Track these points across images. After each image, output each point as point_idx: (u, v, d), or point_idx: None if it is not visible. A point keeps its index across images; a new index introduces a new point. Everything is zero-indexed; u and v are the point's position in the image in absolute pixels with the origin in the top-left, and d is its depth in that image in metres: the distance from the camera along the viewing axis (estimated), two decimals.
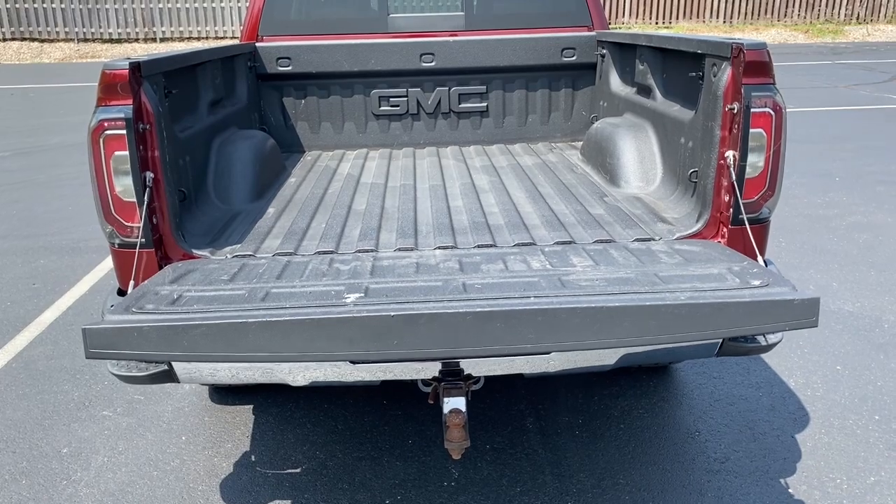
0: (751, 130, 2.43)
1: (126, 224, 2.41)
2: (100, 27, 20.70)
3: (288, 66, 4.50)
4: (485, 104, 4.70)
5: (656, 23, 23.15)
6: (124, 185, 2.36)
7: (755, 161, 2.47)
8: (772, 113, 2.43)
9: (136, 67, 2.36)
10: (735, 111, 2.46)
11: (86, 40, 20.70)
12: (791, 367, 3.71)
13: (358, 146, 4.71)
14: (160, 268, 2.45)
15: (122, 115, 2.30)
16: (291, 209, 3.21)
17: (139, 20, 20.71)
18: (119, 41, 20.76)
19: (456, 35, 4.63)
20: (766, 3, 23.48)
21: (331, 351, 1.88)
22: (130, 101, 2.31)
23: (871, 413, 3.32)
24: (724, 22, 23.40)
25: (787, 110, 2.52)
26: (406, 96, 4.64)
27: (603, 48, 4.46)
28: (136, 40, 20.79)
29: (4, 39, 20.51)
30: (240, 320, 1.85)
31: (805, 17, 23.71)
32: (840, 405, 3.39)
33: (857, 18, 23.78)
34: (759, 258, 2.47)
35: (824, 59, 17.61)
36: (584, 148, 4.12)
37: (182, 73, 2.99)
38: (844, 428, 3.22)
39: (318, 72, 4.53)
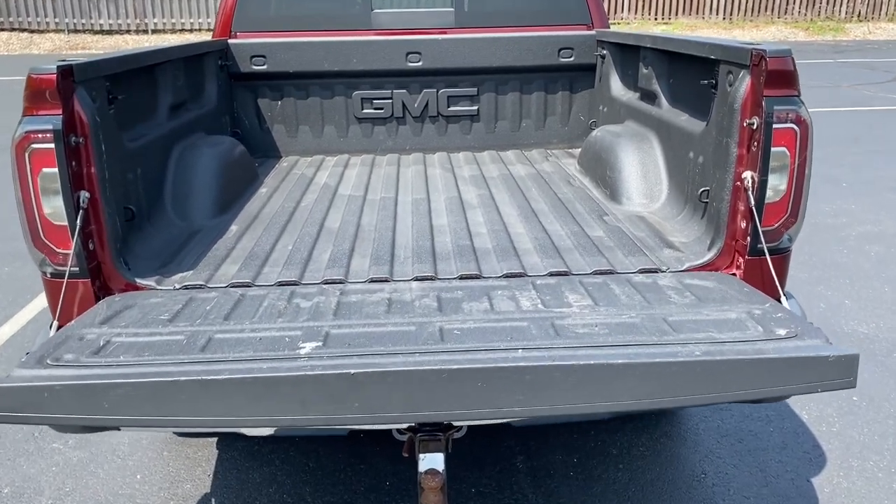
0: (772, 149, 2.13)
1: (58, 251, 2.11)
2: (91, 18, 20.30)
3: (263, 64, 4.20)
4: (475, 107, 4.40)
5: (655, 19, 22.82)
6: (54, 207, 2.06)
7: (776, 184, 2.18)
8: (796, 129, 2.13)
9: (66, 71, 2.05)
10: (754, 126, 2.16)
11: (76, 31, 20.31)
12: (803, 398, 3.42)
13: (338, 151, 4.42)
14: (97, 300, 2.15)
15: (49, 127, 1.99)
16: (257, 227, 2.91)
17: (131, 11, 20.31)
18: (110, 33, 20.38)
19: (445, 33, 4.34)
20: (767, 0, 23.21)
21: (280, 415, 1.58)
22: (60, 111, 2.01)
23: (893, 452, 3.03)
24: (724, 18, 23.11)
25: None
26: (391, 98, 4.34)
27: (603, 49, 4.18)
28: (128, 32, 20.39)
29: None
30: (169, 379, 1.55)
31: (806, 15, 23.44)
32: (858, 443, 3.10)
33: (859, 16, 23.53)
34: (783, 298, 2.18)
35: (825, 58, 17.32)
36: (583, 157, 3.82)
37: (132, 76, 2.68)
38: (864, 471, 2.93)
39: (295, 71, 4.23)
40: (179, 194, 2.88)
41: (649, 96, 3.42)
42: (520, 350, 1.69)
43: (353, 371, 1.57)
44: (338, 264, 2.42)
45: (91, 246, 2.16)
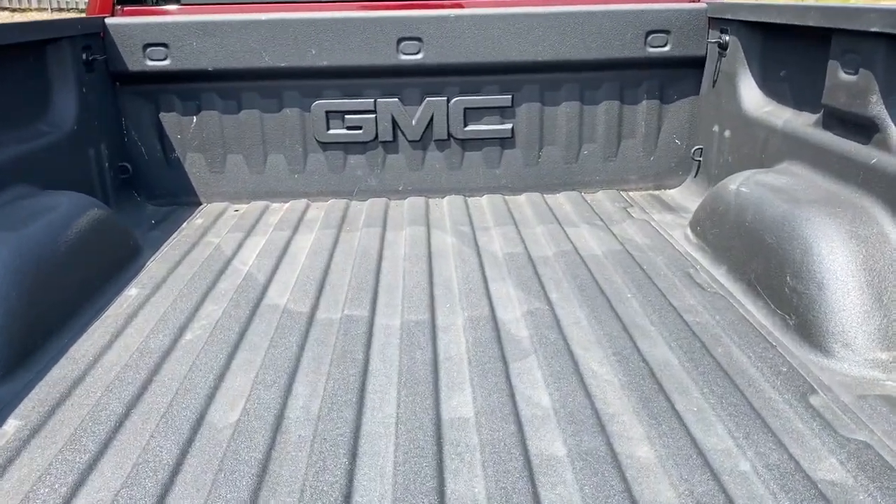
0: None
1: None
2: None
3: (164, 58, 2.84)
4: (509, 125, 3.00)
5: None
6: None
7: None
8: None
9: None
10: None
11: (60, 10, 19.28)
12: None
13: (290, 194, 3.05)
14: None
15: None
16: (53, 429, 1.50)
17: None
18: None
19: (460, 5, 2.94)
20: None
21: None
22: None
23: None
24: None
25: None
26: (374, 112, 2.96)
27: (724, 32, 2.78)
28: None
29: None
30: None
31: None
32: None
33: None
34: None
35: None
36: (707, 226, 2.40)
37: None
38: None
39: (217, 69, 2.85)
40: None
41: (851, 125, 2.05)
42: None
43: None
44: None
45: None
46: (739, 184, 2.25)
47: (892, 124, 1.90)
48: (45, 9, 19.03)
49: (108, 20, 2.82)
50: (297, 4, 2.91)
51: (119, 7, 2.89)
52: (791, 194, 2.03)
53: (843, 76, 2.05)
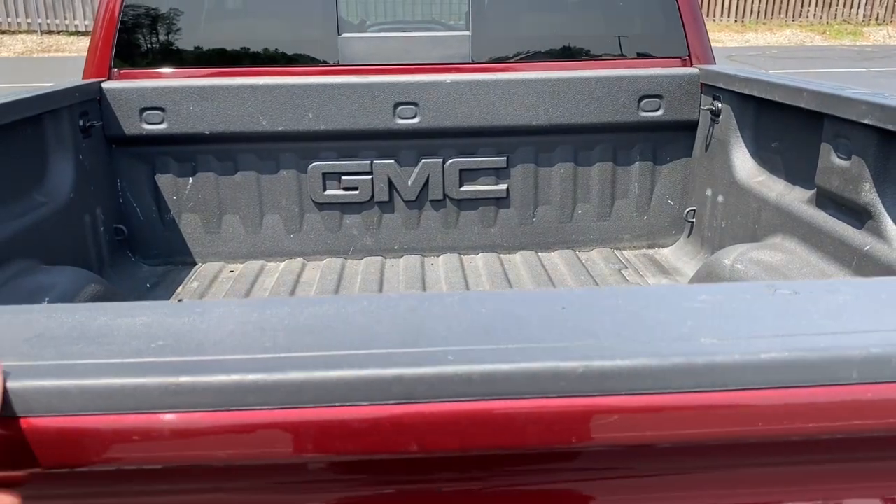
0: None
1: None
2: (65, 19, 19.23)
3: (160, 122, 2.84)
4: (504, 185, 3.02)
5: None
6: None
7: None
8: None
9: None
10: None
11: (50, 32, 19.25)
12: None
13: (286, 254, 3.05)
14: None
15: None
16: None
17: None
18: (86, 34, 19.14)
19: (456, 70, 2.97)
20: (781, 2, 22.31)
21: None
22: None
23: None
24: (736, 21, 22.32)
25: None
26: (370, 173, 2.98)
27: (716, 99, 2.82)
28: None
29: None
30: None
31: (821, 18, 22.56)
32: None
33: (877, 19, 22.65)
34: None
35: (855, 66, 16.16)
36: None
37: None
38: None
39: (214, 132, 2.85)
40: None
41: (845, 207, 2.07)
42: None
43: None
44: None
45: None
46: (734, 260, 2.28)
47: (885, 212, 1.90)
48: (35, 31, 19.01)
49: (105, 84, 2.82)
50: (293, 69, 2.95)
51: (116, 70, 2.89)
52: (786, 275, 2.07)
53: (836, 160, 2.08)
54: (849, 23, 22.51)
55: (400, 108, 2.89)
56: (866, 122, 1.88)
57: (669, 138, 3.03)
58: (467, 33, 3.00)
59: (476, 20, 2.98)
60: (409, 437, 0.66)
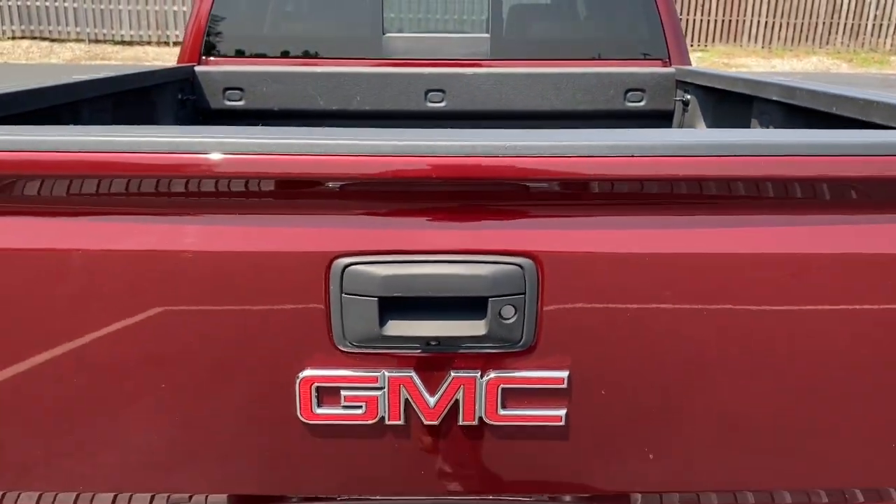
0: None
1: None
2: (112, 28, 20.01)
3: (239, 99, 3.39)
4: None
5: (692, 45, 22.02)
6: None
7: None
8: None
9: None
10: None
11: (97, 41, 20.03)
12: None
13: None
14: None
15: None
16: None
17: (153, 23, 19.94)
18: (131, 43, 20.00)
19: (477, 65, 3.51)
20: (808, 29, 22.52)
21: None
22: None
23: None
24: (763, 47, 22.49)
25: None
26: None
27: (687, 92, 3.32)
28: (149, 43, 20.01)
29: (13, 38, 19.85)
30: None
31: (849, 45, 22.70)
32: None
33: None
34: None
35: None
36: None
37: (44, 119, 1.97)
38: None
39: (281, 109, 3.39)
40: None
41: None
42: None
43: None
44: None
45: None
46: None
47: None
48: (83, 39, 19.85)
49: (197, 68, 3.42)
50: (345, 60, 3.50)
51: (204, 57, 3.48)
52: None
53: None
54: (876, 51, 22.67)
55: (430, 94, 3.44)
56: (774, 98, 2.43)
57: (649, 125, 3.47)
58: (486, 35, 3.57)
59: (494, 26, 3.57)
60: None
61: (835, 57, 22.32)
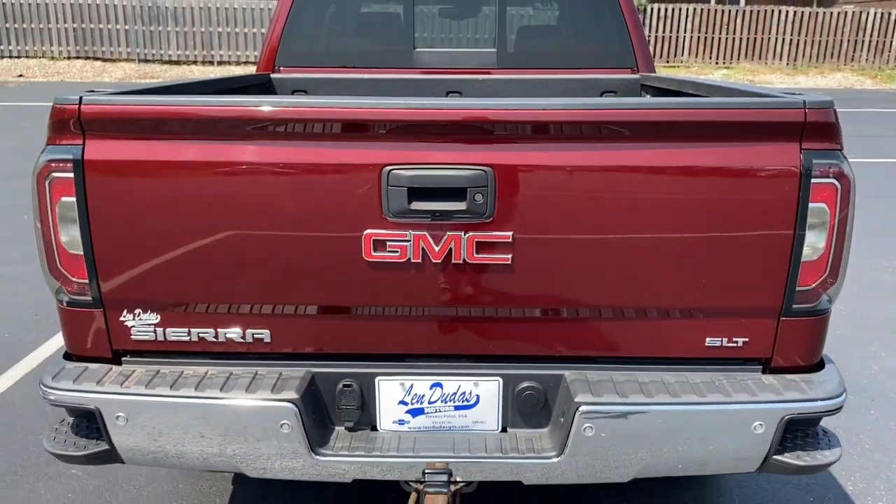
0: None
1: (73, 279, 2.10)
2: (160, 49, 21.09)
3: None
4: None
5: (716, 62, 22.56)
6: (71, 236, 2.06)
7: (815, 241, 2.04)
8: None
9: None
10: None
11: (146, 61, 21.08)
12: (849, 467, 3.21)
13: None
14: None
15: (70, 157, 2.00)
16: None
17: (199, 43, 21.05)
18: (178, 63, 21.10)
19: (486, 73, 4.33)
20: (833, 47, 22.77)
21: None
22: (81, 141, 2.01)
23: None
24: (788, 64, 22.71)
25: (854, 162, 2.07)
26: None
27: (647, 93, 4.08)
28: (195, 62, 21.11)
29: (69, 58, 21.04)
30: None
31: (874, 62, 22.89)
32: None
33: None
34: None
35: (893, 107, 16.81)
36: None
37: None
38: None
39: None
40: None
41: None
42: None
43: None
44: None
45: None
46: None
47: None
48: (133, 59, 21.02)
49: (272, 75, 4.25)
50: (386, 69, 4.31)
51: (279, 66, 4.30)
52: None
53: None
54: None
55: (450, 94, 4.24)
56: (694, 91, 3.15)
57: None
58: (493, 50, 4.40)
59: (499, 42, 4.38)
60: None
61: (859, 73, 22.55)
